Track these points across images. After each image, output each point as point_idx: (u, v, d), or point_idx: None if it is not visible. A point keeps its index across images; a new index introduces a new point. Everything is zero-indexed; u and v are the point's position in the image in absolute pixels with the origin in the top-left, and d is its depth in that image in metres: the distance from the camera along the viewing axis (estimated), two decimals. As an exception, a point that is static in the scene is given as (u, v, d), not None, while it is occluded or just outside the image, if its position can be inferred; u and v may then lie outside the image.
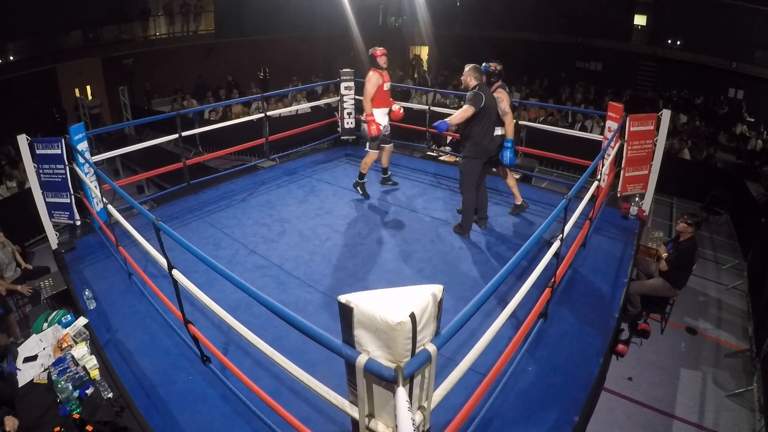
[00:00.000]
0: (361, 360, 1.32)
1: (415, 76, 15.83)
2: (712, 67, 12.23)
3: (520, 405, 2.44)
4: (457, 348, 2.71)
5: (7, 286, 4.37)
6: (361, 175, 4.85)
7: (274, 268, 3.69)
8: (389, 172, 5.25)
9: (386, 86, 4.61)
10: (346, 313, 1.34)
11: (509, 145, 3.98)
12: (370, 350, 1.33)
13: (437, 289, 1.37)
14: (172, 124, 4.85)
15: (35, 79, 10.77)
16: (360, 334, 1.34)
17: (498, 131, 4.00)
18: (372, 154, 4.73)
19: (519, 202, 4.52)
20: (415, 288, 1.37)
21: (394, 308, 1.25)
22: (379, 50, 4.55)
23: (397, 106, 4.78)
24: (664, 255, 4.07)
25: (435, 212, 4.57)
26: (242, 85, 13.10)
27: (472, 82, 3.78)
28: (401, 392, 1.19)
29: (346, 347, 1.38)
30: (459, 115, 3.73)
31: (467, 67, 3.83)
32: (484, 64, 3.99)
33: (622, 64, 13.88)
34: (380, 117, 4.61)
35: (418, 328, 1.27)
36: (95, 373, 2.66)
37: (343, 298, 1.35)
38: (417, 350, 1.31)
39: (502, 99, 3.93)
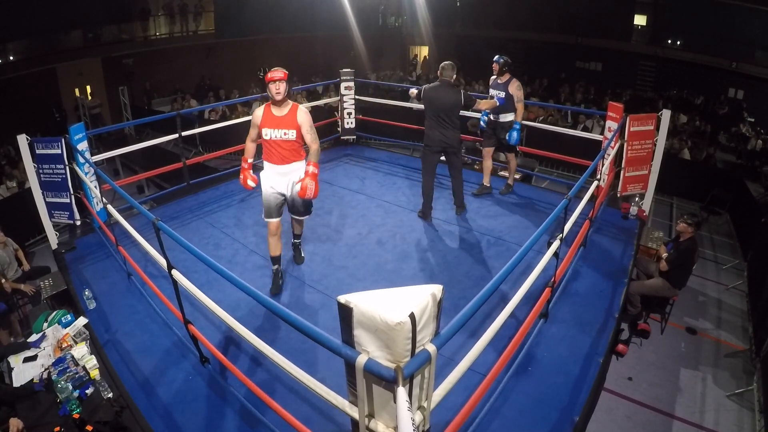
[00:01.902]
0: (361, 360, 1.32)
1: (416, 76, 15.84)
2: (712, 67, 12.21)
3: (520, 405, 2.44)
4: (457, 348, 2.71)
5: (12, 285, 4.38)
6: (273, 259, 3.38)
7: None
8: (300, 249, 3.74)
9: (267, 134, 3.09)
10: (345, 313, 1.34)
11: (517, 126, 4.52)
12: (369, 350, 1.32)
13: (437, 289, 1.37)
14: (172, 124, 4.85)
15: (35, 79, 10.77)
16: (360, 334, 1.34)
17: (508, 117, 4.54)
18: (269, 226, 3.29)
19: (486, 184, 4.98)
20: (415, 288, 1.37)
21: (393, 308, 1.24)
22: (276, 73, 2.98)
23: (307, 182, 2.98)
24: (664, 255, 4.08)
25: (435, 212, 4.57)
26: (226, 88, 13.04)
27: (438, 78, 4.09)
28: (401, 392, 1.18)
29: (345, 347, 1.38)
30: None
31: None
32: (496, 57, 4.52)
33: (622, 64, 13.86)
34: (267, 173, 3.22)
35: (418, 328, 1.27)
36: (95, 373, 2.66)
37: (342, 299, 1.35)
38: (417, 350, 1.30)
39: (520, 88, 4.52)
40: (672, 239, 4.33)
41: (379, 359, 1.31)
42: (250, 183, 3.25)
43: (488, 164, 4.92)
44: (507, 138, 4.56)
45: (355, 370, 1.34)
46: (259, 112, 3.14)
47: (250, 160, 3.26)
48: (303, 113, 3.10)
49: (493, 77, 4.63)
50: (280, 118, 3.08)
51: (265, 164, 3.24)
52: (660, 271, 4.07)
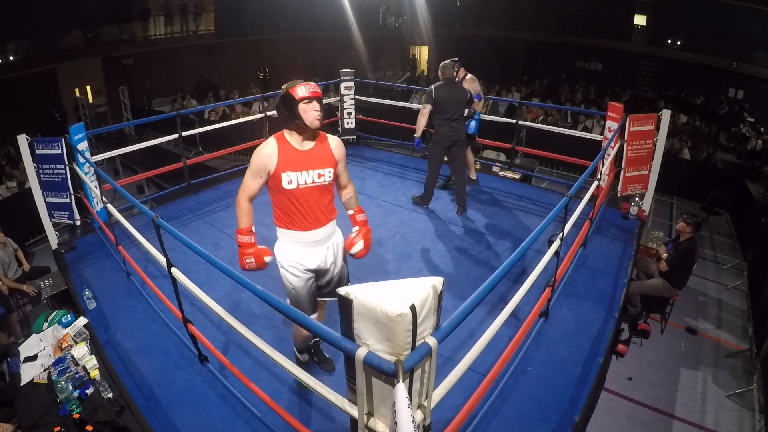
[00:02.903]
0: (361, 353, 1.30)
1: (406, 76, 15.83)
2: (712, 67, 12.22)
3: (520, 405, 2.44)
4: (457, 347, 2.71)
5: (11, 285, 4.39)
6: (298, 350, 2.55)
7: (274, 268, 3.68)
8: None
9: (292, 181, 2.05)
10: (345, 305, 1.32)
11: (477, 117, 4.55)
12: (369, 343, 1.31)
13: (437, 281, 1.35)
14: (172, 124, 4.85)
15: (35, 79, 10.77)
16: (359, 326, 1.32)
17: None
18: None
19: (473, 177, 5.10)
20: (416, 280, 1.35)
21: (394, 300, 1.23)
22: (313, 88, 2.04)
23: (358, 239, 2.19)
24: (664, 255, 4.07)
25: (435, 212, 4.57)
26: (226, 88, 12.97)
27: (441, 78, 4.26)
28: (401, 387, 1.17)
29: (345, 340, 1.37)
30: (419, 122, 4.23)
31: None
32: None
33: (622, 64, 13.87)
34: (291, 248, 2.17)
35: (419, 320, 1.25)
36: (95, 373, 2.66)
37: (342, 290, 1.33)
38: (417, 343, 1.29)
39: (474, 80, 4.70)
40: (672, 239, 4.33)
41: (379, 352, 1.29)
42: (267, 259, 2.11)
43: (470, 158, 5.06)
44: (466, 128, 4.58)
45: (355, 364, 1.33)
46: (270, 149, 2.04)
47: (253, 228, 2.12)
48: (338, 143, 2.18)
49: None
50: (310, 154, 2.08)
51: (284, 234, 2.16)
52: (660, 271, 4.07)
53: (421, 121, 4.22)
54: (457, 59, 4.52)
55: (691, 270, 4.13)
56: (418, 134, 4.24)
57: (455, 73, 4.33)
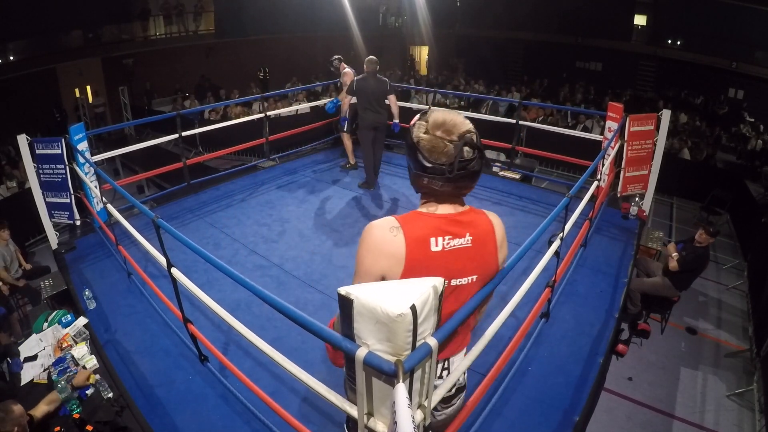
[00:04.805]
0: (361, 353, 1.30)
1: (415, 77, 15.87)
2: (712, 67, 12.24)
3: (520, 405, 2.44)
4: (457, 348, 2.70)
5: (10, 281, 4.40)
6: None
7: (274, 268, 3.69)
8: None
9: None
10: (345, 305, 1.32)
11: (335, 101, 5.43)
12: (369, 343, 1.31)
13: (438, 281, 1.35)
14: (172, 124, 4.85)
15: (35, 79, 10.78)
16: (360, 326, 1.32)
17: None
18: None
19: (352, 162, 5.71)
20: (416, 280, 1.36)
21: (394, 300, 1.23)
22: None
23: None
24: (675, 254, 4.04)
25: (435, 212, 4.57)
26: (226, 88, 13.00)
27: (365, 71, 4.87)
28: (400, 388, 1.17)
29: (345, 340, 1.37)
30: (342, 107, 5.27)
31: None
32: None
33: (622, 64, 13.89)
34: None
35: (419, 321, 1.25)
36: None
37: (342, 290, 1.33)
38: (417, 343, 1.29)
39: (345, 74, 5.49)
40: (683, 240, 4.31)
41: (379, 352, 1.29)
42: None
43: (347, 144, 5.62)
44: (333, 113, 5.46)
45: (355, 364, 1.33)
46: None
47: None
48: None
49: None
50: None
51: None
52: (665, 270, 4.06)
53: (344, 107, 5.21)
54: (339, 56, 5.75)
55: (698, 275, 4.12)
56: (342, 114, 5.27)
57: (377, 68, 4.93)
